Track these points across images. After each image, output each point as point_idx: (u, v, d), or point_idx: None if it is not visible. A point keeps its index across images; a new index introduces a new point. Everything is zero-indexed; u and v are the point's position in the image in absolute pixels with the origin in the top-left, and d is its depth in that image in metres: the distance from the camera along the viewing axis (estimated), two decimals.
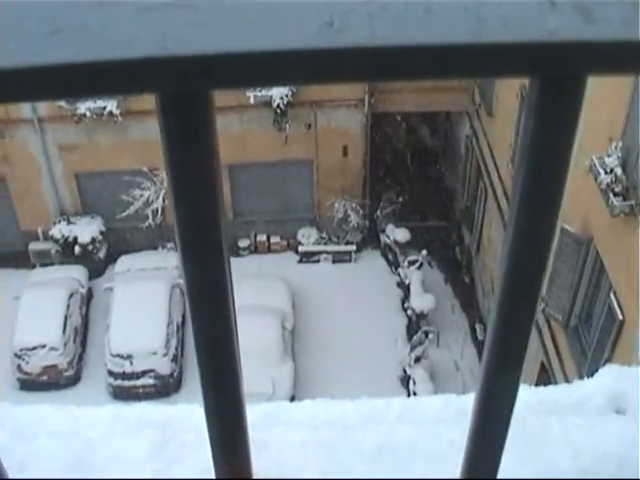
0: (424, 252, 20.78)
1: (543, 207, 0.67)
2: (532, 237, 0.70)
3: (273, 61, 0.55)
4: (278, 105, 20.03)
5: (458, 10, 0.57)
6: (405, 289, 20.48)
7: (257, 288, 19.92)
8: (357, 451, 1.35)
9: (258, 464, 1.10)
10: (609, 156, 11.62)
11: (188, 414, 1.54)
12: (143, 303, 19.03)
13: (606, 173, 11.51)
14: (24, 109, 19.73)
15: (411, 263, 20.83)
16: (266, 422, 1.43)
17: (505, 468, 1.40)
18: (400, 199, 22.84)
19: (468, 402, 1.60)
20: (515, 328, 0.78)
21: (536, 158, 0.65)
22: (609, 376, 1.67)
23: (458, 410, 1.45)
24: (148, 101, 19.03)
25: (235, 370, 0.80)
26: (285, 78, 0.58)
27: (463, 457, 0.90)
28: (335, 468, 1.31)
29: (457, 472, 1.28)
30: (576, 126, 0.64)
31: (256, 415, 1.48)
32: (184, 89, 0.59)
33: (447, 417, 1.44)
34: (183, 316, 20.24)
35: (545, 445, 1.39)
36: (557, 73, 0.60)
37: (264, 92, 19.83)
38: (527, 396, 1.72)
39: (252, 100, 19.89)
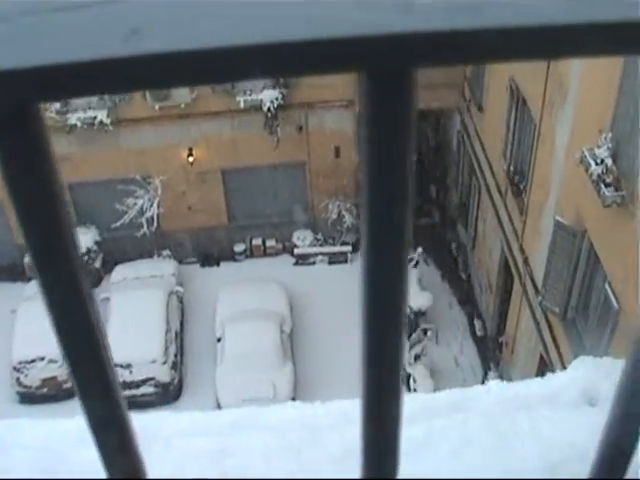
0: (420, 250, 20.77)
1: (388, 208, 0.65)
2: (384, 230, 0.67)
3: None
4: (268, 108, 20.03)
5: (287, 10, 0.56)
6: None
7: (254, 293, 19.94)
8: (324, 453, 1.34)
9: (223, 469, 1.09)
10: (599, 147, 11.61)
11: (161, 422, 1.53)
12: (140, 311, 19.01)
13: (597, 164, 11.50)
14: None
15: None
16: (233, 428, 1.42)
17: (474, 465, 1.39)
18: None
19: (437, 400, 1.59)
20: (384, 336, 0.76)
21: (372, 154, 0.63)
22: (583, 368, 1.66)
23: (424, 408, 1.44)
24: (139, 109, 19.06)
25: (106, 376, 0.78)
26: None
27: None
28: (301, 470, 1.30)
29: (425, 470, 1.27)
30: (409, 119, 0.61)
31: (224, 421, 1.47)
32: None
33: (412, 415, 1.43)
34: (181, 323, 20.24)
35: (514, 441, 1.38)
36: (380, 66, 0.57)
37: (254, 96, 19.84)
38: (502, 391, 1.71)
39: (242, 104, 19.90)
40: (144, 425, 1.51)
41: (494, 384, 1.70)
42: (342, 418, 1.49)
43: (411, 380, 18.25)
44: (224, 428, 1.37)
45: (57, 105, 19.31)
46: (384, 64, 0.57)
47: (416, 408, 1.44)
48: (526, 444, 1.36)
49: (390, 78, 0.58)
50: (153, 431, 1.43)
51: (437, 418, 1.49)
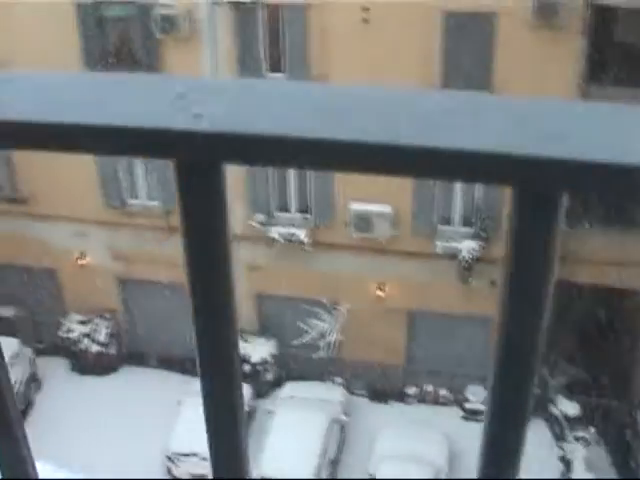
0: (592, 430, 19.88)
1: None
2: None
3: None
4: (465, 258, 20.03)
5: None
6: (567, 465, 19.59)
7: (416, 438, 19.70)
8: None
9: None
10: None
11: None
12: (301, 431, 19.13)
13: None
14: None
15: (577, 439, 19.97)
16: None
17: None
18: (575, 371, 22.06)
19: None
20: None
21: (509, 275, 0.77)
22: None
23: None
24: (339, 235, 19.45)
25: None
26: None
27: None
28: None
29: None
30: (553, 237, 0.73)
31: None
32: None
33: None
34: (338, 451, 20.11)
35: None
36: (531, 187, 0.71)
37: (453, 244, 19.92)
38: None
39: (439, 250, 20.01)
40: None
41: None
42: None
43: None
44: None
45: (261, 217, 20.09)
46: (537, 186, 0.70)
47: None
48: None
49: (537, 201, 0.71)
50: None
51: None
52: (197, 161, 0.78)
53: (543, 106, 0.72)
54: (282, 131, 0.72)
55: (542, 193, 0.70)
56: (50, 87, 0.81)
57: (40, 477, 1.13)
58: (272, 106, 0.76)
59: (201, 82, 0.80)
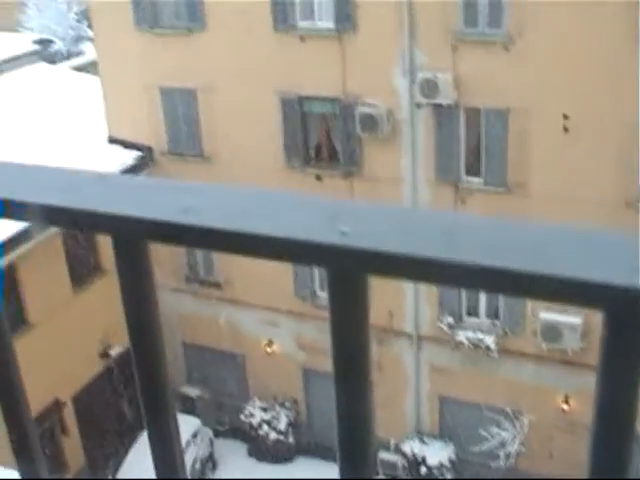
0: None
1: None
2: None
3: None
4: None
5: None
6: None
7: None
8: None
9: None
10: None
11: None
12: None
13: None
14: (407, 323, 20.63)
15: None
16: None
17: None
18: None
19: None
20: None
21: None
22: None
23: None
24: (527, 344, 19.03)
25: None
26: None
27: None
28: None
29: None
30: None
31: None
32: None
33: None
34: None
35: None
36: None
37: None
38: None
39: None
40: None
41: None
42: None
43: None
44: None
45: (450, 319, 20.00)
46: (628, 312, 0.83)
47: None
48: None
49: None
50: None
51: None
52: (344, 271, 0.94)
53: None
54: (409, 250, 0.88)
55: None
56: (234, 198, 1.04)
57: None
58: (406, 229, 0.92)
59: (349, 204, 0.99)
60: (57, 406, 20.92)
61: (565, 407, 20.60)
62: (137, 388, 1.16)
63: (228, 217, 0.99)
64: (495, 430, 21.01)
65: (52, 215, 1.10)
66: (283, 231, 0.94)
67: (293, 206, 0.99)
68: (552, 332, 19.19)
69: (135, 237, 1.06)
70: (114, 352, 22.20)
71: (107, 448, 22.58)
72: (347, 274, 0.94)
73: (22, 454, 1.35)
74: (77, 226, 1.16)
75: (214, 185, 1.06)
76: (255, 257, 0.99)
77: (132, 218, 1.02)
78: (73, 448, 21.75)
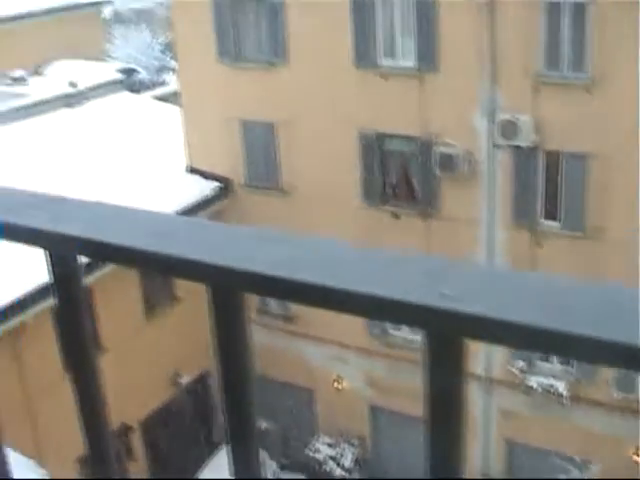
0: None
1: None
2: None
3: None
4: None
5: None
6: None
7: None
8: None
9: None
10: None
11: None
12: None
13: None
14: (478, 365, 20.39)
15: None
16: None
17: None
18: None
19: None
20: None
21: None
22: None
23: None
24: (599, 392, 18.71)
25: None
26: None
27: None
28: None
29: None
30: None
31: None
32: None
33: None
34: None
35: None
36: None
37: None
38: None
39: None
40: None
41: None
42: None
43: None
44: None
45: (522, 364, 19.73)
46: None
47: None
48: None
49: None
50: None
51: None
52: (442, 334, 0.93)
53: None
54: (510, 317, 0.86)
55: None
56: (332, 253, 1.04)
57: None
58: (504, 291, 0.90)
59: (446, 263, 0.96)
60: (125, 430, 21.12)
61: (637, 458, 20.12)
62: (226, 437, 1.15)
63: (325, 272, 0.99)
64: (563, 477, 20.59)
65: (147, 260, 1.10)
66: (382, 290, 0.92)
67: (391, 263, 0.98)
68: (626, 381, 18.80)
69: (234, 288, 1.06)
70: (184, 380, 22.37)
71: (172, 474, 22.70)
72: (445, 337, 0.93)
73: (98, 469, 1.37)
74: (171, 273, 1.14)
75: (313, 238, 1.06)
76: (352, 315, 0.99)
77: (232, 270, 1.01)
78: (139, 472, 21.91)
